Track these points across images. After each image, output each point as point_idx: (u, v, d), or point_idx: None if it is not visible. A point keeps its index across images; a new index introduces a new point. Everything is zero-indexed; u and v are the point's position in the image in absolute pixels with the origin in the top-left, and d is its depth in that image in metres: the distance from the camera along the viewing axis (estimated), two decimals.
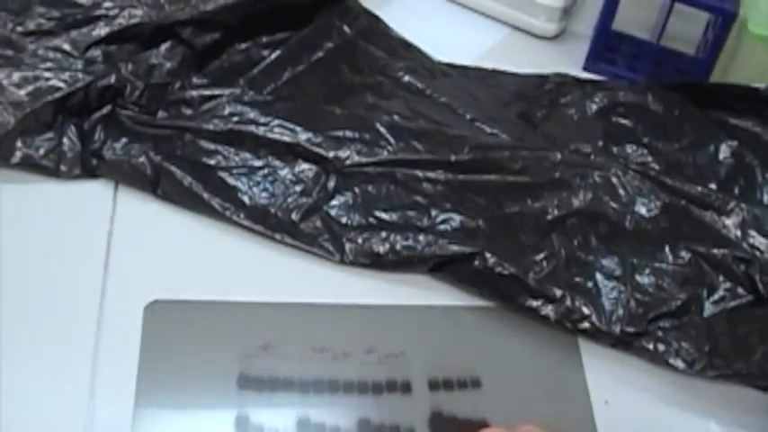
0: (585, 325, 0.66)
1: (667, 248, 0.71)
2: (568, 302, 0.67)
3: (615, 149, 0.78)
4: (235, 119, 0.72)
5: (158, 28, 0.76)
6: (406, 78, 0.79)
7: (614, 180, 0.73)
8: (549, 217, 0.71)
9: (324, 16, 0.82)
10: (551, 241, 0.70)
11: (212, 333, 0.64)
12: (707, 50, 0.85)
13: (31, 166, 0.70)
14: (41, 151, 0.70)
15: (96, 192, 0.70)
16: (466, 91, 0.80)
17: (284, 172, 0.71)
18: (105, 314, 0.64)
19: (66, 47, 0.74)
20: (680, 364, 0.66)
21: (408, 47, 0.83)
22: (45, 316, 0.63)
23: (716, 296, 0.70)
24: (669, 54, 0.89)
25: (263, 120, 0.72)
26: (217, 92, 0.74)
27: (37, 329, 0.62)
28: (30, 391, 0.59)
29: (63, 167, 0.70)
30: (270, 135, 0.71)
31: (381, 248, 0.68)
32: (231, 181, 0.70)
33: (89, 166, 0.70)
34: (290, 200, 0.70)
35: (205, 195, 0.69)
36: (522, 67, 0.86)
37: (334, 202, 0.70)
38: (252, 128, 0.72)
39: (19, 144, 0.69)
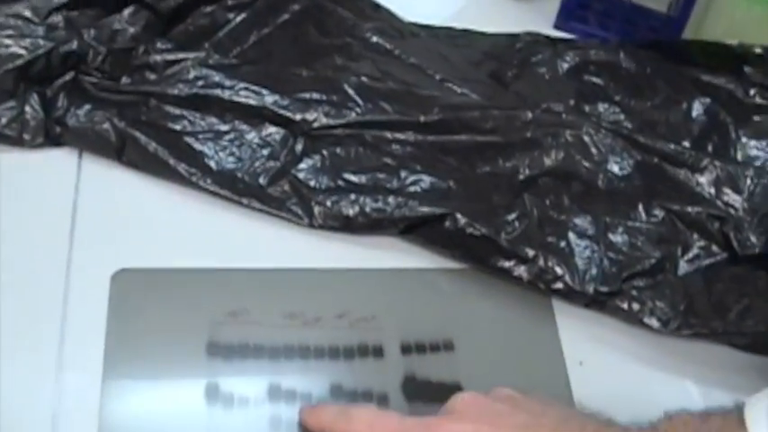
0: (559, 285, 0.66)
1: (641, 207, 0.71)
2: (541, 263, 0.66)
3: (587, 108, 0.77)
4: (200, 83, 0.71)
5: None
6: (375, 39, 0.78)
7: (586, 139, 0.72)
8: (521, 177, 0.71)
9: None
10: (523, 201, 0.69)
11: (180, 301, 0.63)
12: (679, 8, 0.84)
13: None
14: (3, 120, 0.69)
15: (60, 160, 0.69)
16: (436, 51, 0.79)
17: (251, 136, 0.70)
18: (72, 284, 0.63)
19: (27, 13, 0.73)
20: (655, 323, 0.66)
21: (377, 8, 0.82)
22: (10, 286, 0.62)
23: (690, 254, 0.69)
24: (641, 12, 0.88)
25: (228, 83, 0.71)
26: (181, 56, 0.73)
27: (2, 300, 0.61)
28: None
29: (26, 136, 0.69)
30: (236, 99, 0.70)
31: (351, 211, 0.67)
32: (197, 146, 0.69)
33: (53, 135, 0.69)
34: (257, 164, 0.69)
35: (171, 161, 0.68)
36: (492, 27, 0.85)
37: (302, 166, 0.69)
38: (217, 92, 0.71)
39: None
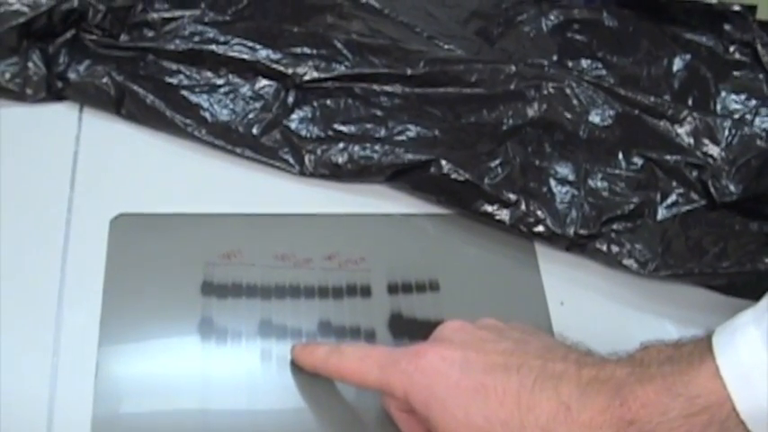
0: (540, 228, 0.68)
1: (621, 155, 0.72)
2: (523, 207, 0.68)
3: (570, 63, 0.79)
4: (195, 38, 0.73)
5: None
6: None
7: (568, 91, 0.74)
8: (504, 127, 0.73)
9: None
10: (506, 149, 0.71)
11: (176, 244, 0.65)
12: None
13: None
14: (7, 75, 0.71)
15: (62, 113, 0.71)
16: (424, 10, 0.81)
17: (245, 89, 0.73)
18: (72, 228, 0.65)
19: None
20: (633, 264, 0.68)
21: None
22: (13, 229, 0.64)
23: (669, 200, 0.71)
24: None
25: (222, 39, 0.73)
26: (178, 14, 0.75)
27: (4, 241, 0.63)
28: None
29: (29, 91, 0.71)
30: (230, 53, 0.73)
31: (340, 159, 0.69)
32: (193, 99, 0.71)
33: (54, 89, 0.71)
34: (250, 115, 0.71)
35: (168, 113, 0.70)
36: None
37: (293, 117, 0.72)
38: (212, 47, 0.73)
39: None
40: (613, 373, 0.51)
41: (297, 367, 0.61)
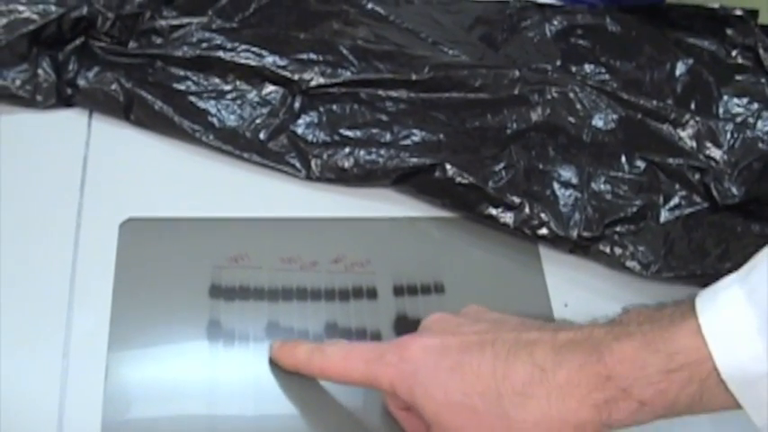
0: (544, 231, 0.69)
1: (623, 158, 0.73)
2: (527, 210, 0.69)
3: (574, 68, 0.80)
4: (203, 45, 0.74)
5: None
6: (370, 6, 0.81)
7: (571, 95, 0.75)
8: (508, 131, 0.73)
9: None
10: (510, 153, 0.72)
11: (184, 247, 0.66)
12: None
13: (7, 97, 0.71)
14: (18, 82, 0.71)
15: (72, 120, 0.72)
16: (429, 17, 0.82)
17: (252, 95, 0.73)
18: (82, 232, 0.66)
19: None
20: (636, 266, 0.68)
21: None
22: (24, 234, 0.65)
23: (672, 203, 0.72)
24: None
25: (230, 45, 0.74)
26: (186, 21, 0.76)
27: (15, 245, 0.64)
28: (9, 308, 0.61)
29: (39, 97, 0.72)
30: (237, 60, 0.73)
31: (346, 163, 0.70)
32: (201, 104, 0.72)
33: (64, 96, 0.72)
34: (257, 121, 0.72)
35: (176, 119, 0.71)
36: None
37: (300, 122, 0.72)
38: (220, 53, 0.74)
39: None
40: (591, 333, 0.52)
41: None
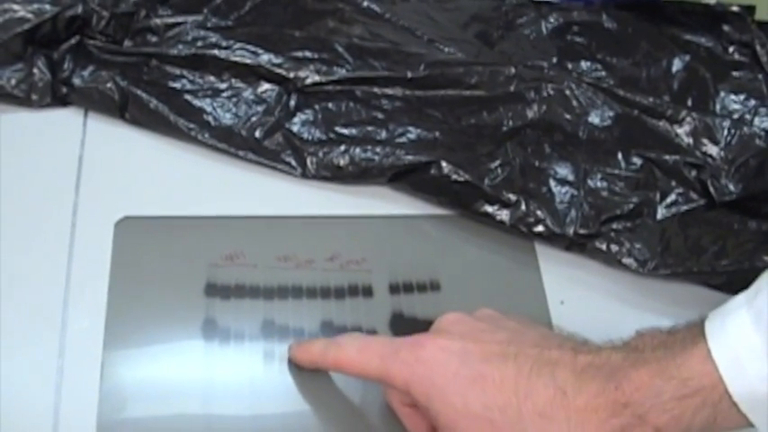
0: (540, 228, 0.69)
1: (620, 155, 0.73)
2: (523, 207, 0.69)
3: (570, 65, 0.79)
4: (198, 43, 0.74)
5: None
6: (366, 4, 0.80)
7: (567, 92, 0.75)
8: (504, 128, 0.73)
9: None
10: (506, 150, 0.72)
11: (180, 245, 0.66)
12: None
13: (3, 96, 0.71)
14: (13, 82, 0.71)
15: (67, 118, 0.72)
16: (425, 14, 0.82)
17: (247, 93, 0.73)
18: (77, 231, 0.66)
19: None
20: (632, 263, 0.68)
21: None
22: (20, 233, 0.65)
23: (668, 200, 0.71)
24: None
25: (225, 43, 0.74)
26: (181, 19, 0.76)
27: (11, 244, 0.64)
28: (5, 307, 0.61)
29: (34, 96, 0.72)
30: (232, 58, 0.73)
31: (341, 161, 0.70)
32: (196, 103, 0.72)
33: (59, 95, 0.72)
34: (253, 119, 0.72)
35: (171, 117, 0.71)
36: None
37: (295, 120, 0.72)
38: (215, 51, 0.74)
39: None
40: (608, 358, 0.52)
41: (297, 367, 0.61)
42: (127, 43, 0.75)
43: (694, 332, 0.51)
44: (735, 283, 0.67)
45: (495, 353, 0.54)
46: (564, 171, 0.71)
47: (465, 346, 0.55)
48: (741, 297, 0.52)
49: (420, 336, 0.56)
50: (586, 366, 0.52)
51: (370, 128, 0.72)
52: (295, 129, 0.72)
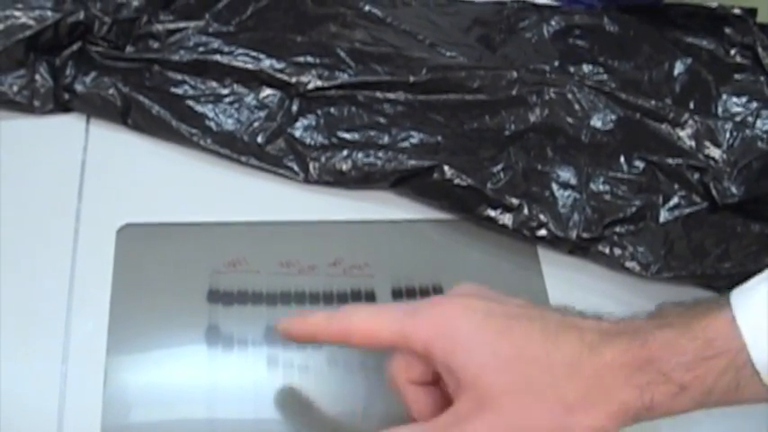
0: (543, 232, 0.69)
1: (622, 158, 0.73)
2: (526, 211, 0.69)
3: (572, 68, 0.79)
4: (200, 49, 0.74)
5: None
6: (367, 8, 0.80)
7: (570, 96, 0.75)
8: (507, 132, 0.73)
9: None
10: (508, 154, 0.72)
11: (182, 252, 0.66)
12: None
13: (5, 102, 0.71)
14: (15, 88, 0.71)
15: (69, 124, 0.72)
16: (426, 18, 0.82)
17: (249, 98, 0.73)
18: (80, 238, 0.66)
19: None
20: (636, 267, 0.68)
21: None
22: (22, 240, 0.65)
23: (671, 203, 0.71)
24: None
25: (227, 49, 0.74)
26: (182, 25, 0.76)
27: (14, 251, 0.64)
28: (8, 313, 0.62)
29: (36, 103, 0.72)
30: (234, 63, 0.73)
31: (344, 166, 0.70)
32: (198, 108, 0.72)
33: (62, 101, 0.72)
34: (255, 124, 0.72)
35: (173, 123, 0.71)
36: None
37: (297, 125, 0.72)
38: (217, 57, 0.74)
39: None
40: (632, 322, 0.53)
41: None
42: (129, 49, 0.75)
43: (720, 302, 0.52)
44: (737, 286, 0.67)
45: (519, 313, 0.53)
46: (566, 175, 0.71)
47: (488, 304, 0.53)
48: (766, 273, 0.53)
49: (438, 296, 0.56)
50: (611, 328, 0.52)
51: (372, 132, 0.72)
52: (297, 134, 0.72)
